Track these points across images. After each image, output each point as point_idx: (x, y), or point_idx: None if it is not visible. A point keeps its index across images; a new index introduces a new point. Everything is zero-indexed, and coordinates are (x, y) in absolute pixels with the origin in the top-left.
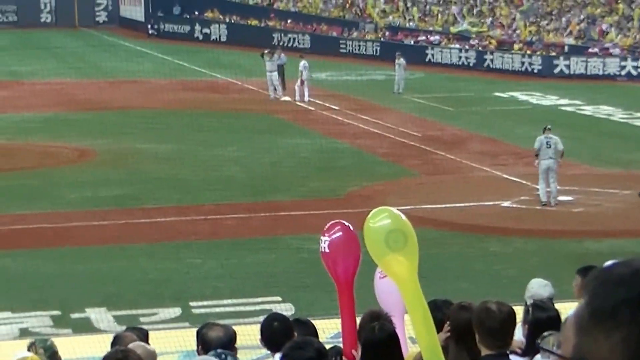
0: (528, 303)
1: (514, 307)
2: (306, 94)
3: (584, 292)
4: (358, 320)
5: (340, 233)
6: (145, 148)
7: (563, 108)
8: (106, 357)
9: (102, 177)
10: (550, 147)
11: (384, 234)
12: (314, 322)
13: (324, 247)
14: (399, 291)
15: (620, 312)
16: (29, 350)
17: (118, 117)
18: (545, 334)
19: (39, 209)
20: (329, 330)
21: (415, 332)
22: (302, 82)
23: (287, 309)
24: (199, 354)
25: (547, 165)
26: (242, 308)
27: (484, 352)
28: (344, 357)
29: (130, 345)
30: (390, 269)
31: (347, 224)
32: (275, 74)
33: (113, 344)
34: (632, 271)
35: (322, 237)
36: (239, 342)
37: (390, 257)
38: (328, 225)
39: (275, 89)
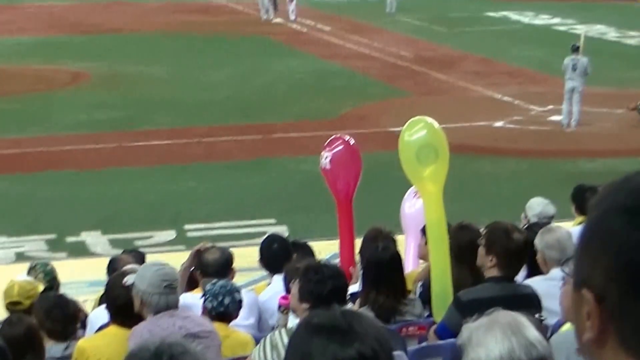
0: (531, 222)
1: None
2: (292, 13)
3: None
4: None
5: (341, 147)
6: (139, 70)
7: (555, 27)
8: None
9: (97, 100)
10: (575, 69)
11: (416, 148)
12: (309, 243)
13: (325, 164)
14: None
15: (607, 233)
16: (29, 273)
17: (111, 40)
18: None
19: (34, 133)
20: (324, 251)
21: (430, 248)
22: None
23: (281, 231)
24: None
25: (571, 86)
26: (236, 230)
27: (489, 274)
28: None
29: (126, 268)
30: (418, 182)
31: (348, 137)
32: None
33: (109, 266)
34: (622, 181)
35: (323, 153)
36: (235, 265)
37: (420, 170)
38: (329, 139)
39: (267, 11)
